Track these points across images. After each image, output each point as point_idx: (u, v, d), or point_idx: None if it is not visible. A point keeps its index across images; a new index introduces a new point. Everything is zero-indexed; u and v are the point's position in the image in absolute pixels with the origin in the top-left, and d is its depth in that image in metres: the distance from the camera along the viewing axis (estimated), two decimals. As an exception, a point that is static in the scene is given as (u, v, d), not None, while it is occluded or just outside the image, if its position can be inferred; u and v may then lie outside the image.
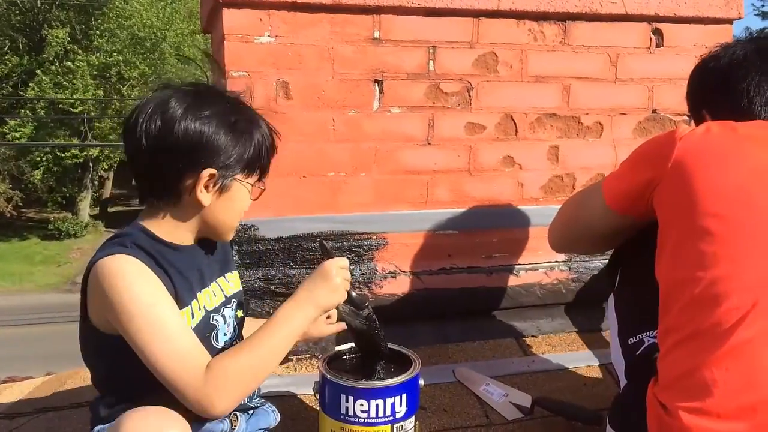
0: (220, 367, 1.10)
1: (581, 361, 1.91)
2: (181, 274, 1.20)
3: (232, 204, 1.24)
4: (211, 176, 1.18)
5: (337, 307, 1.30)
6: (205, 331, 1.23)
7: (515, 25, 1.90)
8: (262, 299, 1.82)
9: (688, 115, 1.53)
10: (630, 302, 1.47)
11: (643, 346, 1.36)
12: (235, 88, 1.66)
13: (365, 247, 1.88)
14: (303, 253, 1.84)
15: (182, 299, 1.18)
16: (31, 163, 23.38)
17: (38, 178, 23.58)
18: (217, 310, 1.28)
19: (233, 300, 1.35)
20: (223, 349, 1.25)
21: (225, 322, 1.30)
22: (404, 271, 1.93)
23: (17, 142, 21.35)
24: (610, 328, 1.53)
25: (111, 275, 1.10)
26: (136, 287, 1.10)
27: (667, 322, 1.20)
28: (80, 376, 2.03)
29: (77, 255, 22.91)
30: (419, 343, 1.91)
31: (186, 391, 1.08)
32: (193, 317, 1.21)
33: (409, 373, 1.42)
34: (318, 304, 1.22)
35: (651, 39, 2.02)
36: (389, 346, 1.54)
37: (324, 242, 1.37)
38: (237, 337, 1.33)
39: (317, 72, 1.79)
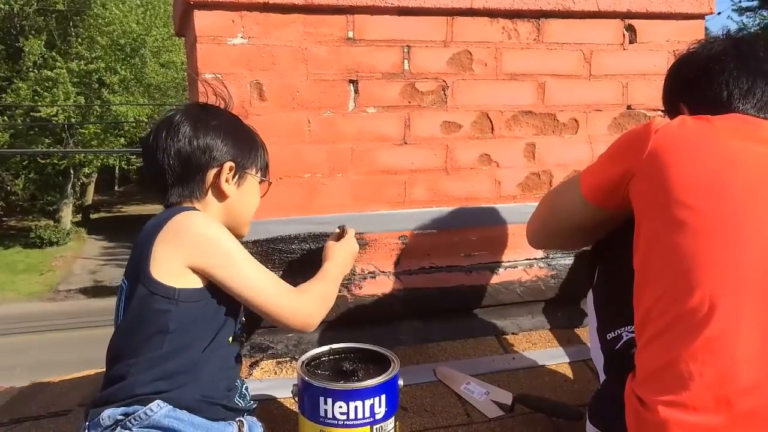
0: (309, 287, 1.44)
1: (561, 357, 1.92)
2: None
3: (248, 196, 1.44)
4: (231, 168, 1.37)
5: None
6: (235, 311, 1.37)
7: (489, 23, 1.90)
8: (240, 303, 1.80)
9: (662, 111, 1.54)
10: (608, 298, 1.47)
11: (621, 341, 1.37)
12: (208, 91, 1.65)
13: (343, 248, 1.87)
14: (281, 256, 1.83)
15: None
16: (11, 171, 23.15)
17: (20, 186, 23.37)
18: None
19: None
20: (237, 336, 1.42)
21: (242, 310, 1.41)
22: (383, 272, 1.92)
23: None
24: (589, 324, 1.54)
25: (208, 222, 1.31)
26: (229, 234, 1.32)
27: (641, 315, 1.21)
28: (58, 385, 2.00)
29: (60, 263, 22.74)
30: (399, 343, 1.90)
31: (287, 303, 1.35)
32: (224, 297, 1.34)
33: (387, 373, 1.41)
34: (347, 272, 1.66)
35: (624, 35, 2.03)
36: (368, 347, 1.55)
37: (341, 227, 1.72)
38: (243, 332, 1.48)
39: (291, 73, 1.78)
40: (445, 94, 1.90)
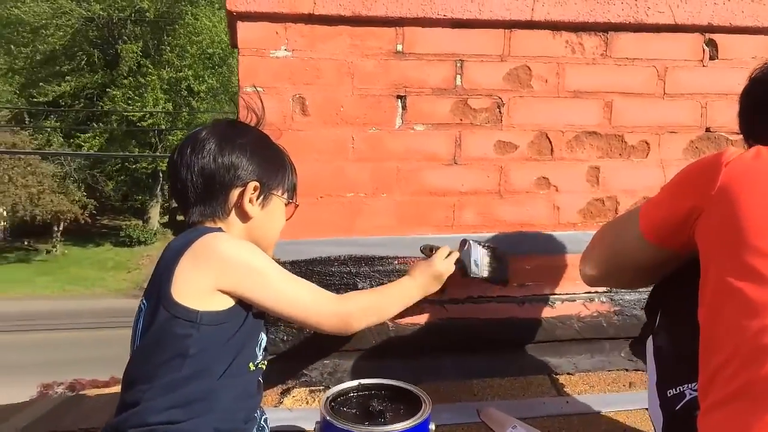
0: (354, 294, 1.51)
1: (622, 403, 1.73)
2: None
3: (273, 218, 1.37)
4: (255, 188, 1.31)
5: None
6: (254, 336, 1.30)
7: (551, 36, 1.76)
8: (275, 326, 1.72)
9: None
10: (670, 348, 1.30)
11: (684, 400, 1.20)
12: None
13: (386, 273, 1.76)
14: (320, 278, 1.74)
15: None
16: (105, 173, 24.38)
17: (110, 187, 24.58)
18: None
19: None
20: (259, 362, 1.32)
21: (265, 335, 1.36)
22: (428, 299, 1.79)
23: (92, 152, 22.29)
24: (648, 375, 1.37)
25: (236, 244, 1.26)
26: (259, 251, 1.28)
27: (707, 376, 1.04)
28: (94, 399, 1.99)
29: (146, 262, 23.71)
30: (441, 377, 1.78)
31: (324, 309, 1.34)
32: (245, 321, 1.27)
33: (416, 417, 1.29)
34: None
35: (704, 51, 1.84)
36: (400, 384, 1.43)
37: (425, 247, 1.66)
38: (264, 359, 1.35)
39: (336, 87, 1.69)
40: (501, 112, 1.77)
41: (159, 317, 1.20)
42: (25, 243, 24.89)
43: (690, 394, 1.19)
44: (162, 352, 1.20)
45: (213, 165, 1.29)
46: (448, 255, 1.64)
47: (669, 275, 1.33)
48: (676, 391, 1.22)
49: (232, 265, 1.23)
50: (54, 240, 24.53)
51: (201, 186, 1.30)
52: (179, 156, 1.32)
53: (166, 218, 28.08)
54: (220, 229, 1.30)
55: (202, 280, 1.21)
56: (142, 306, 1.28)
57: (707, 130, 1.88)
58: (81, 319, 16.97)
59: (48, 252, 24.41)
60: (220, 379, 1.22)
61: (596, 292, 1.87)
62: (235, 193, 1.31)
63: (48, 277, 21.92)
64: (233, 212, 1.32)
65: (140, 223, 26.51)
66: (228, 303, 1.23)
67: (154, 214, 26.70)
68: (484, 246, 1.70)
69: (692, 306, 1.12)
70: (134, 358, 1.26)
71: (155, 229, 26.16)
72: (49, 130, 23.77)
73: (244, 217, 1.33)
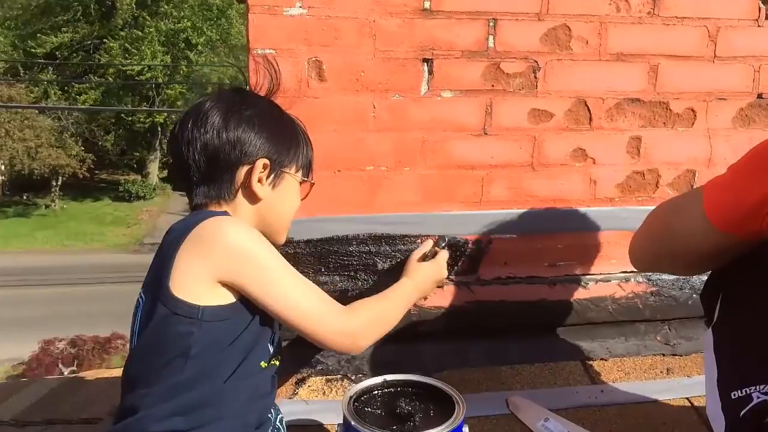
0: (360, 306, 1.26)
1: (661, 392, 1.62)
2: None
3: (285, 199, 1.24)
4: (265, 166, 1.18)
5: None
6: (266, 331, 1.18)
7: (594, -8, 1.59)
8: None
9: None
10: (735, 343, 1.16)
11: (751, 404, 1.07)
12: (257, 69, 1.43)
13: (408, 252, 1.62)
14: (336, 258, 1.61)
15: None
16: (102, 127, 24.11)
17: (110, 142, 24.35)
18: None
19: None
20: (271, 357, 1.20)
21: (279, 330, 1.24)
22: (452, 280, 1.67)
23: (89, 106, 21.98)
24: (706, 372, 1.24)
25: (241, 230, 1.11)
26: (267, 243, 1.14)
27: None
28: (94, 384, 1.88)
29: (146, 217, 23.69)
30: (467, 363, 1.67)
31: (331, 325, 1.17)
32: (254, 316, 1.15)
33: (450, 422, 1.17)
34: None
35: (760, 9, 1.67)
36: (429, 381, 1.31)
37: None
38: (277, 354, 1.22)
39: (356, 49, 1.53)
40: (536, 77, 1.61)
41: (157, 314, 1.08)
42: (24, 197, 24.76)
43: (758, 397, 1.06)
44: (161, 352, 1.08)
45: (217, 141, 1.15)
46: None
47: (732, 260, 1.19)
48: (741, 393, 1.09)
49: (234, 255, 1.09)
50: (52, 194, 24.38)
51: (204, 165, 1.16)
52: (180, 131, 1.17)
53: (165, 173, 27.90)
54: (225, 213, 1.16)
55: (201, 270, 1.08)
56: (140, 300, 1.15)
57: (759, 96, 1.72)
58: (80, 274, 16.97)
59: (47, 207, 24.31)
60: (227, 381, 1.10)
61: (632, 272, 1.74)
62: (242, 172, 1.17)
63: (47, 232, 21.88)
64: (240, 193, 1.19)
65: (139, 177, 26.36)
66: (231, 297, 1.11)
67: (153, 168, 26.54)
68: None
69: (763, 294, 0.99)
70: (132, 358, 1.13)
71: (154, 183, 26.03)
72: (45, 82, 23.39)
73: (253, 198, 1.19)
